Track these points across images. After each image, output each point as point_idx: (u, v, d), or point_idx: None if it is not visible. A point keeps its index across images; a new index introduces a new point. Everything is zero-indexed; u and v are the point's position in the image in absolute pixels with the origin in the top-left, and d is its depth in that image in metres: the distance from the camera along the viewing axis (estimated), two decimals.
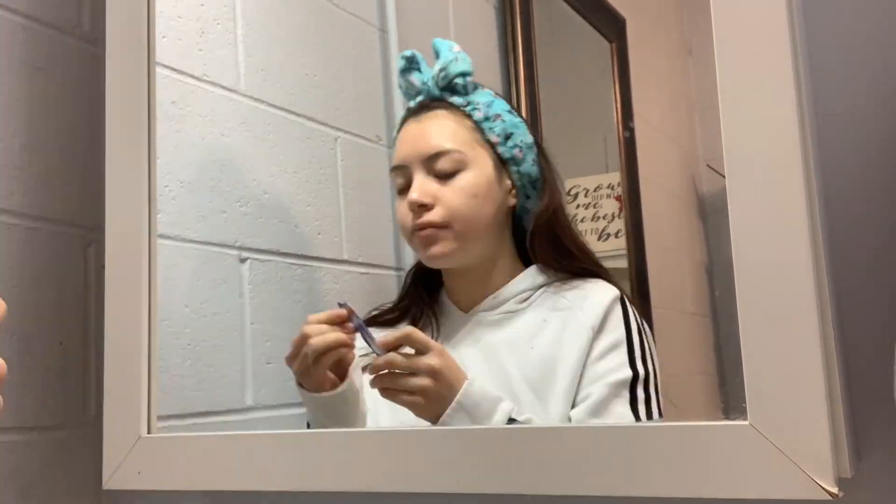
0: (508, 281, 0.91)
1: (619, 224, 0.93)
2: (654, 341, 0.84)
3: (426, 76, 0.94)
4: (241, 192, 1.02)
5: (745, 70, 0.65)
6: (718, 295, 0.83)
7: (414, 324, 0.93)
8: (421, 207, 0.90)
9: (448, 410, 0.81)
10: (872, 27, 0.74)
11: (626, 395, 0.81)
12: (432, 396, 0.82)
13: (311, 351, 0.86)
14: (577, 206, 0.95)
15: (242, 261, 1.00)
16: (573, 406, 0.82)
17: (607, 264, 0.92)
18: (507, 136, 0.91)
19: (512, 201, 0.92)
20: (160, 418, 0.90)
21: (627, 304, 0.85)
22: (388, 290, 1.04)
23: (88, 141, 1.10)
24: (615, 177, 0.95)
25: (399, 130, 0.96)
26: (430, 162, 0.91)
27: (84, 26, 1.12)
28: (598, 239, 0.94)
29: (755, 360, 0.63)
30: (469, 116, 0.92)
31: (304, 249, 1.05)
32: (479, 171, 0.90)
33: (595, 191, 0.95)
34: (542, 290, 0.89)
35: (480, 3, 1.09)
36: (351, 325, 0.87)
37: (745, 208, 0.65)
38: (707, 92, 0.68)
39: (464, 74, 0.92)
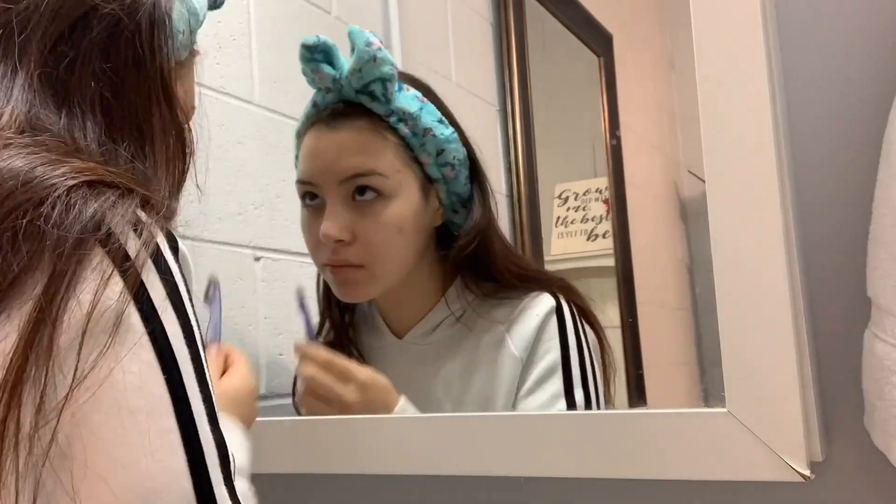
0: (438, 300, 0.79)
1: (606, 225, 0.93)
2: (600, 338, 0.77)
3: (340, 72, 0.75)
4: (255, 196, 1.02)
5: (724, 83, 0.66)
6: (699, 291, 0.83)
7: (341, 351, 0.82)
8: (337, 243, 0.74)
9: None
10: (844, 42, 0.74)
11: (561, 401, 0.74)
12: (356, 410, 0.74)
13: (317, 399, 0.78)
14: (568, 209, 0.95)
15: (257, 259, 1.00)
16: None
17: (595, 263, 0.91)
18: (439, 153, 0.75)
19: (438, 221, 0.78)
20: None
21: (565, 315, 0.75)
22: None
23: None
24: (603, 181, 0.95)
25: (306, 132, 0.79)
26: (346, 185, 0.74)
27: None
28: (587, 239, 0.94)
29: (733, 351, 0.64)
30: (394, 131, 0.75)
31: None
32: (404, 199, 0.74)
33: (584, 194, 0.95)
34: (475, 305, 0.78)
35: (478, 19, 1.09)
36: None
37: (723, 211, 0.65)
38: (688, 103, 0.68)
39: (383, 80, 0.73)
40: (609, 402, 0.80)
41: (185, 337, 0.42)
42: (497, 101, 1.02)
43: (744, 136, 0.64)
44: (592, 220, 0.93)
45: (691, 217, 0.87)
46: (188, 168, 0.52)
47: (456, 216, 0.78)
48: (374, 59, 0.72)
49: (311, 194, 0.77)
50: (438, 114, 0.77)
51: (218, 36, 1.02)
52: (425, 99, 0.77)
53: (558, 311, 0.76)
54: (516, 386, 0.75)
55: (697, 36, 0.67)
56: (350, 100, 0.75)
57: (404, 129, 0.74)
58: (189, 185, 0.97)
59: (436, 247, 0.79)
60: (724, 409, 0.64)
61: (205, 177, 0.98)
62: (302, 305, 0.79)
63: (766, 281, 0.62)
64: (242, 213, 1.01)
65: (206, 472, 0.40)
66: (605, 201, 0.94)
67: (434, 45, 1.11)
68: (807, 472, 0.60)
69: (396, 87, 0.76)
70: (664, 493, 0.77)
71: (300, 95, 1.08)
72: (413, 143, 0.75)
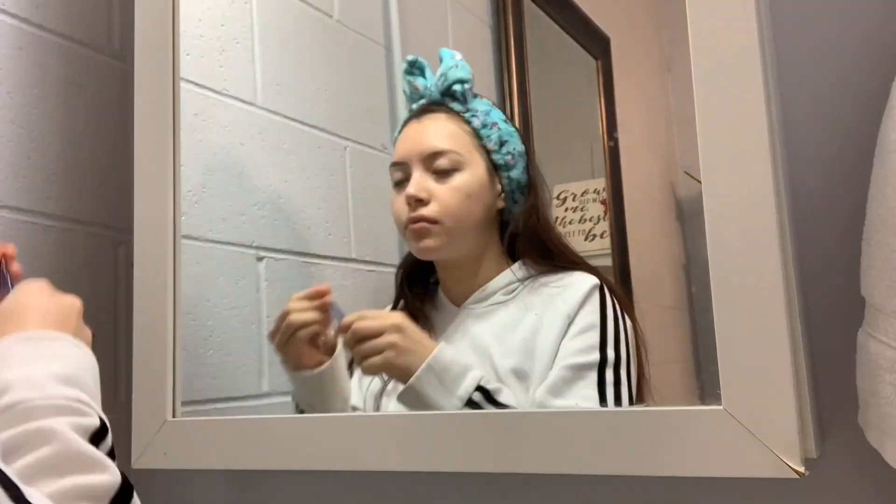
0: (495, 275, 0.89)
1: (604, 225, 0.93)
2: (637, 331, 0.83)
3: (429, 81, 0.93)
4: (258, 197, 1.02)
5: (720, 85, 0.66)
6: (695, 290, 0.83)
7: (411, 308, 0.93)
8: (417, 202, 0.88)
9: (419, 371, 0.81)
10: (838, 44, 0.75)
11: (594, 377, 0.79)
12: (401, 349, 0.82)
13: (285, 326, 0.87)
14: (566, 210, 0.95)
15: (259, 259, 1.00)
16: None
17: (593, 262, 0.91)
18: (502, 144, 0.90)
19: (500, 204, 0.91)
20: (184, 403, 0.90)
21: (606, 292, 0.83)
22: (392, 286, 1.04)
23: (118, 149, 1.10)
24: (601, 182, 0.94)
25: (401, 131, 0.95)
26: (428, 160, 0.89)
27: (114, 45, 1.12)
28: (585, 239, 0.94)
29: (728, 350, 0.64)
30: (468, 123, 0.91)
31: (315, 249, 1.05)
32: (473, 174, 0.89)
33: (582, 195, 0.95)
34: (527, 282, 0.88)
35: (477, 23, 1.09)
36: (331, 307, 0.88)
37: (719, 211, 0.65)
38: (685, 105, 0.68)
39: (461, 81, 0.91)
40: (645, 398, 0.82)
41: None
42: (496, 102, 1.02)
43: (739, 138, 0.64)
44: (590, 220, 0.93)
45: (688, 217, 0.87)
46: None
47: (515, 206, 0.90)
48: (457, 65, 0.91)
49: (400, 176, 0.92)
50: (503, 116, 0.93)
51: (221, 39, 1.02)
52: (494, 106, 0.94)
53: (601, 288, 0.84)
54: (561, 338, 0.82)
55: (693, 39, 0.67)
56: (436, 101, 0.92)
57: (476, 122, 0.90)
58: (193, 185, 0.97)
59: (499, 236, 0.91)
60: (720, 407, 0.63)
61: (208, 178, 0.99)
62: (336, 311, 0.87)
63: (762, 280, 0.62)
64: (245, 214, 1.01)
65: None
66: (603, 202, 0.94)
67: (434, 48, 1.11)
68: (801, 469, 0.60)
69: (472, 95, 0.93)
70: (660, 490, 0.77)
71: (302, 97, 1.08)
72: (482, 133, 0.90)
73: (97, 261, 1.06)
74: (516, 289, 0.88)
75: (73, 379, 0.56)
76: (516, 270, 0.89)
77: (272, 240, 1.02)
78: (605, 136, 0.95)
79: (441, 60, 0.93)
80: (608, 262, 0.92)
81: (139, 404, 0.91)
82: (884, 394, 0.61)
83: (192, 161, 0.96)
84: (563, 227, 0.94)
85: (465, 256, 0.91)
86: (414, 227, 0.89)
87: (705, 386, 0.70)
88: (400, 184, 0.92)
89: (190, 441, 0.88)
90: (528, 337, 0.84)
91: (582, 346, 0.81)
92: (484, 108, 0.92)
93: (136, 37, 0.97)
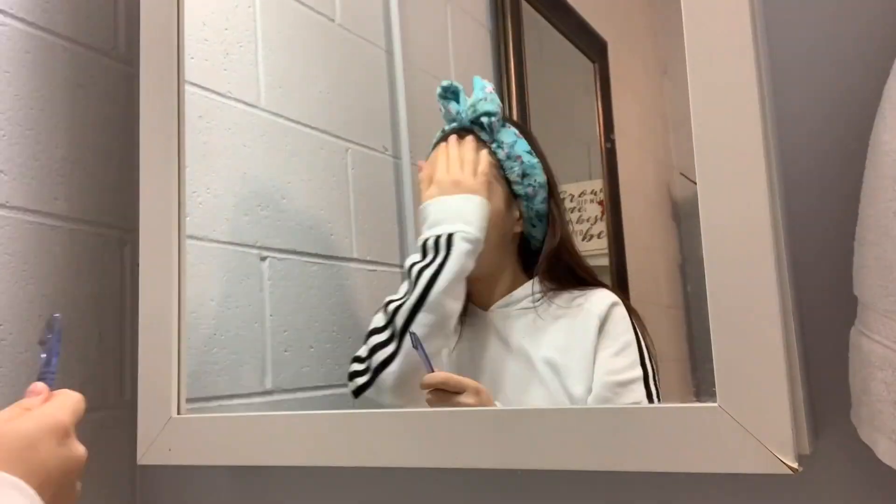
0: (518, 287, 0.91)
1: (601, 226, 0.93)
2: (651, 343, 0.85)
3: (461, 106, 0.95)
4: (261, 198, 1.02)
5: (715, 88, 0.66)
6: (691, 290, 0.83)
7: None
8: None
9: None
10: (832, 47, 0.75)
11: (642, 390, 0.82)
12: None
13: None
14: None
15: (263, 259, 1.00)
16: (591, 391, 0.83)
17: (590, 262, 0.91)
18: (524, 176, 0.92)
19: (518, 229, 0.93)
20: (188, 401, 0.90)
21: (627, 308, 0.86)
22: (393, 285, 1.03)
23: (124, 151, 1.10)
24: (598, 183, 0.94)
25: (434, 147, 0.97)
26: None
27: (120, 48, 1.12)
28: (583, 239, 0.94)
29: (723, 348, 0.64)
30: (494, 154, 0.93)
31: (318, 249, 1.05)
32: (491, 200, 0.91)
33: (579, 196, 0.95)
34: (550, 294, 0.90)
35: (476, 27, 1.09)
36: None
37: (714, 212, 0.65)
38: (680, 108, 0.68)
39: (489, 114, 0.93)
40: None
41: None
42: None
43: (734, 140, 0.64)
44: (587, 220, 0.93)
45: (683, 218, 0.87)
46: None
47: (534, 230, 0.92)
48: (486, 98, 0.93)
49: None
50: (528, 146, 0.93)
51: (225, 42, 1.02)
52: (520, 135, 0.94)
53: (625, 304, 0.86)
54: (595, 338, 0.85)
55: (689, 43, 0.67)
56: (465, 128, 0.94)
57: (501, 154, 0.92)
58: (197, 187, 0.97)
59: (518, 257, 0.93)
60: (715, 404, 0.63)
61: (212, 179, 0.99)
62: (418, 345, 0.88)
63: (756, 279, 0.62)
64: (249, 214, 1.01)
65: None
66: (600, 203, 0.94)
67: (434, 51, 1.11)
68: (795, 465, 0.60)
69: (500, 124, 0.94)
70: (656, 486, 0.77)
71: (304, 100, 1.08)
72: (506, 165, 0.92)
73: (103, 260, 1.06)
74: (541, 297, 0.90)
75: None
76: (538, 283, 0.91)
77: (275, 240, 1.02)
78: (602, 138, 0.95)
79: (474, 89, 0.95)
80: (605, 262, 0.92)
81: (144, 401, 0.91)
82: (875, 391, 0.61)
83: (197, 162, 0.96)
84: None
85: (484, 272, 0.92)
86: None
87: (701, 383, 0.70)
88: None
89: (195, 438, 0.88)
90: (562, 336, 0.87)
91: (624, 364, 0.83)
92: (510, 139, 0.93)
93: (141, 40, 0.97)
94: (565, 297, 0.89)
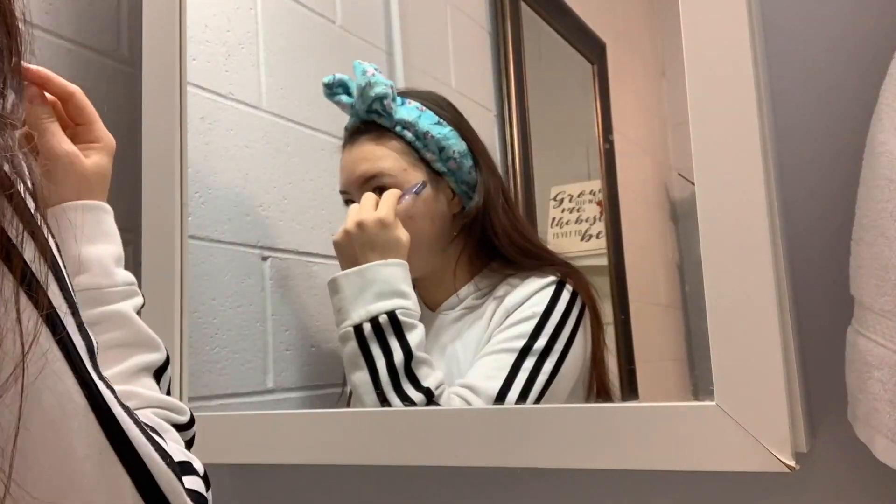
0: (469, 280, 0.86)
1: (599, 226, 0.93)
2: (599, 334, 0.79)
3: (353, 98, 0.88)
4: (262, 198, 1.02)
5: (713, 89, 0.66)
6: (688, 289, 0.83)
7: None
8: None
9: (351, 269, 0.79)
10: (828, 48, 0.75)
11: (509, 359, 0.75)
12: (368, 243, 0.79)
13: None
14: (563, 210, 0.95)
15: (264, 259, 1.00)
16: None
17: (589, 262, 0.91)
18: (441, 150, 0.85)
19: (455, 208, 0.86)
20: (191, 399, 0.90)
21: (564, 289, 0.79)
22: None
23: (126, 152, 1.10)
24: (596, 184, 0.95)
25: (342, 150, 0.92)
26: (364, 187, 0.86)
27: (122, 50, 1.12)
28: (581, 239, 0.94)
29: (721, 347, 0.64)
30: (400, 138, 0.86)
31: (318, 249, 1.05)
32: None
33: (578, 196, 0.95)
34: (498, 286, 0.84)
35: (476, 28, 1.09)
36: None
37: (712, 212, 0.65)
38: (679, 109, 0.68)
39: (380, 98, 0.85)
40: (604, 393, 0.81)
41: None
42: (495, 106, 1.02)
43: (731, 140, 0.64)
44: (586, 220, 0.93)
45: (681, 218, 0.87)
46: None
47: (471, 202, 0.85)
48: (369, 83, 0.84)
49: (349, 200, 0.88)
50: (436, 118, 0.86)
51: (227, 44, 1.02)
52: (424, 108, 0.87)
53: (559, 284, 0.79)
54: (497, 326, 0.79)
55: (687, 44, 0.67)
56: (364, 119, 0.87)
57: (408, 135, 0.84)
58: (199, 187, 0.97)
59: (471, 240, 0.85)
60: (713, 403, 0.64)
61: (214, 179, 0.99)
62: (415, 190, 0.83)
63: (754, 279, 0.62)
64: (250, 215, 1.01)
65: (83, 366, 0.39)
66: (599, 203, 0.94)
67: (434, 53, 1.11)
68: (792, 463, 0.60)
69: (399, 102, 0.86)
70: (655, 483, 0.77)
71: (305, 101, 1.08)
72: (417, 146, 0.84)
73: None
74: (488, 291, 0.84)
75: (121, 258, 0.63)
76: (488, 275, 0.85)
77: (276, 240, 1.02)
78: (601, 139, 0.95)
79: (356, 75, 0.87)
80: (604, 261, 0.92)
81: None
82: (872, 390, 0.61)
83: (199, 163, 0.96)
84: (560, 227, 0.95)
85: (431, 269, 0.87)
86: None
87: (698, 382, 0.70)
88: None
89: (196, 436, 0.88)
90: (479, 333, 0.82)
91: (513, 333, 0.77)
92: (412, 116, 0.86)
93: (144, 42, 0.97)
94: (506, 284, 0.82)
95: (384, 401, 0.74)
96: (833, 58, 0.74)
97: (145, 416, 0.51)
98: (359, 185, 0.87)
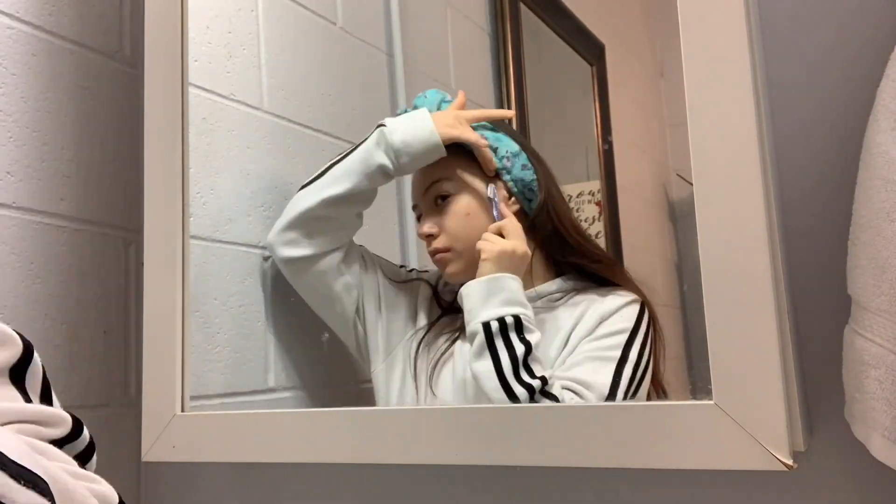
0: (549, 279, 0.87)
1: (598, 226, 0.93)
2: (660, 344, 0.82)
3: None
4: (263, 198, 1.02)
5: (711, 91, 0.66)
6: (687, 289, 0.83)
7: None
8: (429, 237, 0.91)
9: (481, 279, 0.83)
10: (825, 48, 0.74)
11: (611, 367, 0.78)
12: (499, 259, 0.83)
13: None
14: None
15: (265, 259, 1.00)
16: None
17: None
18: (493, 151, 0.89)
19: (514, 208, 0.89)
20: (192, 398, 0.90)
21: (645, 308, 0.83)
22: None
23: (129, 152, 1.10)
24: (595, 184, 0.95)
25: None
26: (427, 195, 0.91)
27: (125, 51, 1.12)
28: None
29: (719, 346, 0.64)
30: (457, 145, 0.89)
31: None
32: (469, 193, 0.89)
33: (577, 197, 0.95)
34: (571, 294, 0.86)
35: (476, 30, 1.09)
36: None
37: (710, 212, 0.65)
38: (677, 110, 0.68)
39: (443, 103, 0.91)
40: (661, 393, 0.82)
41: None
42: (494, 107, 1.02)
43: (729, 141, 0.64)
44: (585, 220, 0.93)
45: (679, 218, 0.87)
46: None
47: (531, 204, 0.89)
48: (425, 95, 0.92)
49: (418, 215, 0.94)
50: (488, 125, 0.91)
51: (228, 45, 1.02)
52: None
53: (642, 301, 0.83)
54: (590, 333, 0.82)
55: (685, 45, 0.67)
56: None
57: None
58: (201, 187, 0.97)
59: (536, 231, 0.88)
60: (711, 402, 0.63)
61: (215, 180, 0.99)
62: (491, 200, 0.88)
63: (751, 279, 0.62)
64: (251, 215, 1.01)
65: None
66: (598, 203, 0.94)
67: (434, 54, 1.11)
68: (790, 462, 0.60)
69: None
70: (653, 482, 0.77)
71: (306, 102, 1.08)
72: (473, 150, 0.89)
73: (108, 260, 1.06)
74: (561, 298, 0.87)
75: None
76: (560, 282, 0.87)
77: None
78: (600, 140, 0.95)
79: (426, 97, 0.93)
80: None
81: (149, 399, 0.91)
82: (869, 389, 0.61)
83: (200, 163, 0.96)
84: None
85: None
86: (435, 258, 0.91)
87: (697, 381, 0.70)
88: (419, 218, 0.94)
89: (198, 435, 0.88)
90: (564, 334, 0.84)
91: (609, 343, 0.81)
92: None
93: (146, 43, 0.97)
94: (585, 294, 0.85)
95: (506, 387, 0.78)
96: (831, 59, 0.74)
97: (4, 438, 0.38)
98: (422, 195, 0.92)
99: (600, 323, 0.82)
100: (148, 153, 0.95)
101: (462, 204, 0.89)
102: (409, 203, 0.97)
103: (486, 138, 0.89)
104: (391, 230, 1.06)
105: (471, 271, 0.86)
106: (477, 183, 0.90)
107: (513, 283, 0.83)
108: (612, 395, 0.77)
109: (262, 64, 1.05)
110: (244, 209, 1.00)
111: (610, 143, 0.94)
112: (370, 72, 1.13)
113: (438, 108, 0.91)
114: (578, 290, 0.87)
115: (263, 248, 0.99)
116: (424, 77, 1.12)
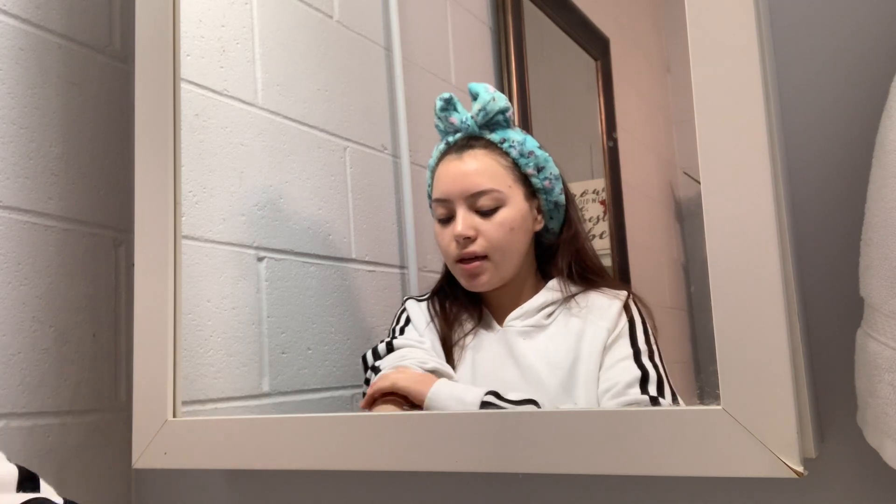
0: (533, 294, 0.91)
1: (603, 226, 0.93)
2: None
3: (464, 115, 0.94)
4: (258, 197, 1.02)
5: (718, 86, 0.65)
6: (694, 291, 0.83)
7: (455, 323, 0.97)
8: (466, 240, 0.92)
9: (426, 401, 0.85)
10: (837, 44, 0.74)
11: (655, 379, 0.82)
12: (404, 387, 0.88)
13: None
14: None
15: (260, 259, 1.00)
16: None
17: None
18: (540, 169, 0.92)
19: (538, 226, 0.93)
20: (184, 403, 0.90)
21: (630, 301, 0.86)
22: (393, 286, 1.04)
23: (119, 150, 1.10)
24: (600, 183, 0.94)
25: (438, 163, 0.96)
26: (472, 199, 0.92)
27: (115, 45, 1.12)
28: None
29: (727, 350, 0.63)
30: (506, 154, 0.92)
31: (315, 249, 1.05)
32: (514, 207, 0.92)
33: (581, 195, 0.95)
34: (561, 305, 0.90)
35: (477, 23, 1.09)
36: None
37: (718, 211, 0.65)
38: (683, 106, 0.68)
39: (503, 111, 0.93)
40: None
41: None
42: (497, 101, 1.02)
43: (738, 138, 0.64)
44: (590, 220, 0.93)
45: (686, 217, 0.87)
46: None
47: (551, 222, 0.93)
48: (494, 98, 0.93)
49: (444, 213, 0.94)
50: (537, 143, 0.94)
51: (221, 40, 1.02)
52: (525, 133, 0.96)
53: (627, 297, 0.87)
54: (603, 347, 0.86)
55: (693, 40, 0.67)
56: (473, 134, 0.94)
57: (514, 152, 0.92)
58: (193, 186, 0.97)
59: (534, 257, 0.94)
60: (719, 407, 0.63)
61: (208, 178, 0.99)
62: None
63: (761, 280, 0.62)
64: (245, 214, 1.01)
65: None
66: (602, 202, 0.94)
67: (434, 48, 1.11)
68: (800, 469, 0.60)
69: (509, 122, 0.95)
70: (660, 490, 0.77)
71: (302, 98, 1.08)
72: (521, 163, 0.92)
73: (98, 261, 1.06)
74: (553, 311, 0.90)
75: None
76: (551, 290, 0.91)
77: (272, 240, 1.02)
78: (605, 137, 0.95)
79: (474, 95, 0.95)
80: (608, 262, 0.92)
81: (140, 404, 0.91)
82: (882, 394, 0.61)
83: (193, 161, 0.96)
84: None
85: (509, 281, 0.92)
86: (466, 266, 0.92)
87: (704, 386, 0.70)
88: (445, 220, 0.94)
89: (190, 441, 0.88)
90: (571, 351, 0.87)
91: (622, 347, 0.84)
92: (519, 137, 0.93)
93: (136, 37, 0.97)
94: (576, 305, 0.89)
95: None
96: (842, 54, 0.74)
97: None
98: (467, 197, 0.92)
99: (606, 328, 0.86)
100: (139, 151, 0.95)
101: (510, 217, 0.91)
102: (409, 203, 0.97)
103: (534, 154, 0.92)
104: (391, 230, 1.06)
105: (496, 282, 0.91)
106: (523, 203, 0.92)
107: (444, 386, 0.87)
108: (645, 381, 0.81)
109: (256, 58, 1.05)
110: (238, 208, 1.00)
111: (615, 141, 0.94)
112: (368, 67, 1.13)
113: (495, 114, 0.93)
114: (565, 300, 0.90)
115: (258, 248, 0.99)
116: (424, 72, 1.12)
